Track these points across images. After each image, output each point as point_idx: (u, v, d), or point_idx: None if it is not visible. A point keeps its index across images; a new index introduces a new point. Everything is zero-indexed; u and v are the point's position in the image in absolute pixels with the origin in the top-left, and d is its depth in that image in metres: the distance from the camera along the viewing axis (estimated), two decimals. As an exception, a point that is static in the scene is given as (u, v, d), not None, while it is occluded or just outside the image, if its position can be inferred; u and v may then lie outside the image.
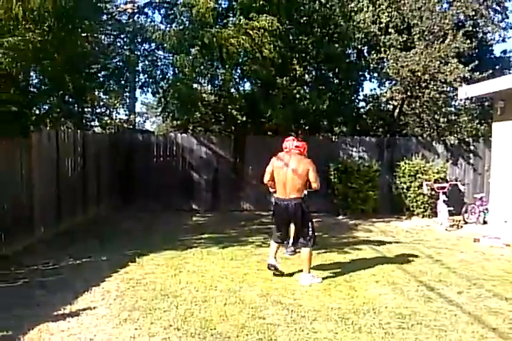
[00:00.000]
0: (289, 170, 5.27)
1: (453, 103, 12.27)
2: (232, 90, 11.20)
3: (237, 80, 11.23)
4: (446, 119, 11.48)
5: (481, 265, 6.16)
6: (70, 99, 9.48)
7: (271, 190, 5.73)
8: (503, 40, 12.66)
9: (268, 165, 5.54)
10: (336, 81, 12.25)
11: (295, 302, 4.57)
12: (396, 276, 5.53)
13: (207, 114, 11.95)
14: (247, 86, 11.94)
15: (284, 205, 5.29)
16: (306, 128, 12.30)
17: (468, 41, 10.71)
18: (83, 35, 8.07)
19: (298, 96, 10.63)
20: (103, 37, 10.82)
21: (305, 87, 11.61)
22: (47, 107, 8.46)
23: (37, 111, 7.93)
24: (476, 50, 11.29)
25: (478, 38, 11.84)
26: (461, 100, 11.37)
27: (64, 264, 5.78)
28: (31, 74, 7.60)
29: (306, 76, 12.06)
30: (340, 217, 10.12)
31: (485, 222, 9.21)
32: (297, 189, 5.25)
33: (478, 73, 10.38)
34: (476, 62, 10.55)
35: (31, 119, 6.96)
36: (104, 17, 9.34)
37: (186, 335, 3.71)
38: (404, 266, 6.03)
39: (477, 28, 11.88)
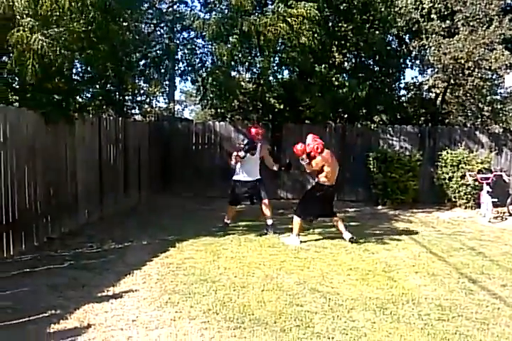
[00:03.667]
0: (336, 165, 6.63)
1: (498, 91, 11.85)
2: (270, 78, 11.13)
3: (276, 68, 11.15)
4: (490, 108, 11.11)
5: (525, 258, 5.98)
6: (112, 88, 9.67)
7: (310, 172, 6.94)
8: (554, 25, 12.06)
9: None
10: (376, 68, 12.01)
11: (332, 290, 4.56)
12: (436, 267, 5.44)
13: (245, 102, 11.96)
14: (285, 74, 11.86)
15: (332, 190, 6.66)
16: (345, 116, 12.15)
17: (515, 27, 10.28)
18: (125, 24, 8.19)
19: (336, 83, 10.47)
20: (143, 26, 10.96)
21: (344, 75, 11.43)
22: (89, 95, 8.67)
23: (80, 99, 8.14)
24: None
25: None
26: (507, 88, 10.96)
27: (107, 248, 5.96)
28: (75, 63, 7.77)
29: (346, 63, 11.88)
30: (380, 207, 9.99)
31: (530, 214, 8.91)
32: None
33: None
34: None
35: (75, 107, 7.15)
36: (145, 6, 9.43)
37: (225, 319, 3.77)
38: (445, 257, 5.92)
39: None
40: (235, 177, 7.13)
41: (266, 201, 7.03)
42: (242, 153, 6.77)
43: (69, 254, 5.57)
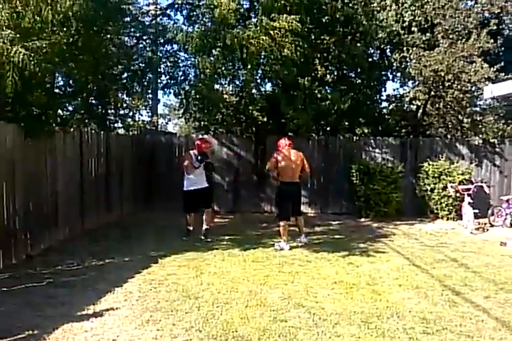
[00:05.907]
0: (293, 162, 7.26)
1: (478, 103, 12.04)
2: (254, 91, 11.17)
3: (259, 81, 11.20)
4: (470, 120, 11.28)
5: (508, 269, 6.01)
6: (94, 101, 9.60)
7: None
8: (530, 38, 12.37)
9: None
10: (358, 81, 12.13)
11: (317, 305, 4.52)
12: (420, 280, 5.44)
13: (228, 115, 11.95)
14: (268, 86, 11.91)
15: (290, 186, 7.17)
16: (328, 128, 12.22)
17: (493, 40, 10.49)
18: (107, 36, 8.18)
19: (319, 96, 10.55)
20: (126, 39, 10.94)
21: (327, 88, 11.52)
22: (71, 108, 8.59)
23: (62, 113, 8.05)
24: (502, 48, 11.06)
25: (503, 36, 11.60)
26: (486, 100, 11.14)
27: (87, 264, 5.86)
28: (57, 75, 7.71)
29: (328, 76, 11.97)
30: (363, 220, 10.01)
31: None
32: None
33: (503, 74, 10.15)
34: (502, 63, 10.30)
35: (56, 120, 7.06)
36: (128, 19, 9.41)
37: (208, 337, 3.70)
38: (429, 269, 5.93)
39: (502, 26, 11.63)
40: (186, 188, 7.67)
41: (209, 210, 7.77)
42: (196, 164, 7.51)
43: (48, 272, 5.45)
